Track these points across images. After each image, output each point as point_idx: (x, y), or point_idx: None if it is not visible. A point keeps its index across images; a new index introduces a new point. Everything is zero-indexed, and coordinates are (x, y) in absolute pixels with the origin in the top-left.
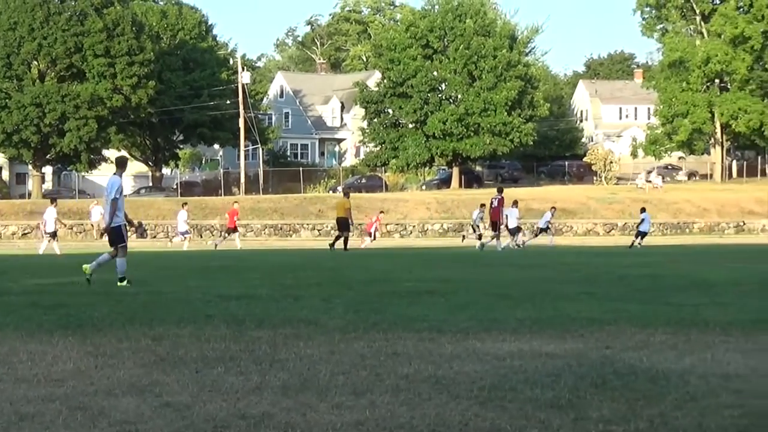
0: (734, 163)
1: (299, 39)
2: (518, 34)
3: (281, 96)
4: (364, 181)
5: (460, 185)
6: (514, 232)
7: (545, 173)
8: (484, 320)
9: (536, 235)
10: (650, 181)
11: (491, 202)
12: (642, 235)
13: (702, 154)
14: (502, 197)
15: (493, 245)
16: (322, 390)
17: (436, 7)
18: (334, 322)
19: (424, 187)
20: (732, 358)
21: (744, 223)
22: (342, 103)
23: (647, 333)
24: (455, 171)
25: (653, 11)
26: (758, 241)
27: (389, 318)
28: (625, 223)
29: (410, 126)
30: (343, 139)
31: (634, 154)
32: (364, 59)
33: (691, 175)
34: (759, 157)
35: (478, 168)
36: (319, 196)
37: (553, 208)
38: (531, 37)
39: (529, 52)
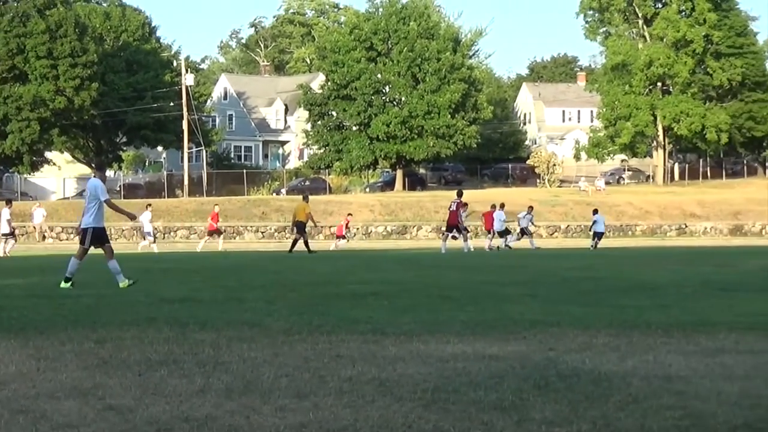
0: (676, 166)
1: (243, 41)
2: (462, 37)
3: (225, 98)
4: (307, 183)
5: (404, 188)
6: (503, 234)
7: (489, 176)
8: (428, 322)
9: (518, 239)
10: (594, 184)
11: (450, 205)
12: (598, 236)
13: (644, 157)
14: (461, 201)
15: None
16: (265, 392)
17: (380, 9)
18: (277, 324)
19: (367, 190)
20: (673, 360)
21: (686, 226)
22: (286, 106)
23: (590, 335)
24: (399, 173)
25: (596, 15)
26: (699, 244)
27: (333, 320)
28: (568, 226)
29: (354, 128)
30: (287, 142)
31: (577, 157)
32: (308, 61)
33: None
34: (700, 160)
35: (422, 170)
36: (262, 199)
37: (530, 207)
38: (475, 39)
39: (473, 54)
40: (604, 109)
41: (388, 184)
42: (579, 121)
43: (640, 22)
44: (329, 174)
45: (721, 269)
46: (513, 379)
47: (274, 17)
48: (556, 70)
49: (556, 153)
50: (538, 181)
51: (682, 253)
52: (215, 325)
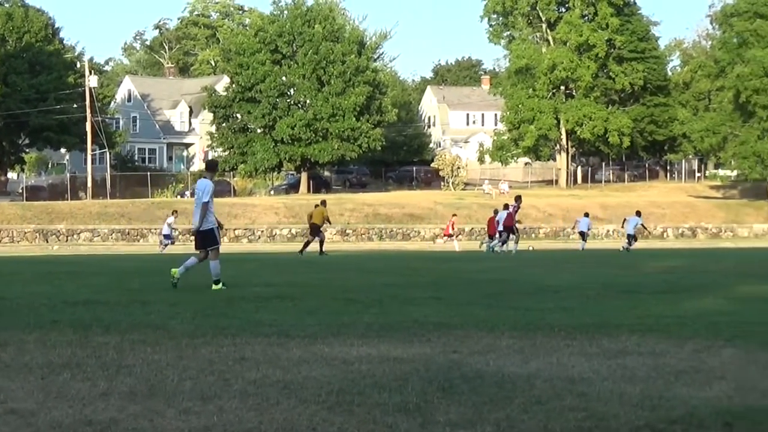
0: (579, 169)
1: (147, 43)
2: (367, 40)
3: (129, 100)
4: None
5: (309, 190)
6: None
7: (393, 178)
8: (333, 325)
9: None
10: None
11: (507, 208)
12: (582, 235)
13: (548, 160)
14: (518, 206)
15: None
16: (169, 395)
17: (285, 12)
18: (181, 327)
19: (272, 192)
20: (576, 362)
21: (588, 229)
22: (190, 108)
23: (494, 337)
24: (304, 176)
25: (500, 18)
26: (602, 246)
27: (237, 323)
28: (472, 228)
29: (259, 131)
30: (192, 144)
31: (481, 160)
32: (213, 64)
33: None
34: (603, 164)
35: (327, 173)
36: (167, 201)
37: (506, 205)
38: (379, 42)
39: (378, 57)
40: (508, 113)
41: (293, 187)
42: (483, 125)
43: (544, 26)
44: (234, 176)
45: (623, 272)
46: (417, 381)
47: (178, 19)
48: (461, 74)
49: (461, 156)
50: (442, 183)
51: (584, 256)
52: (119, 328)
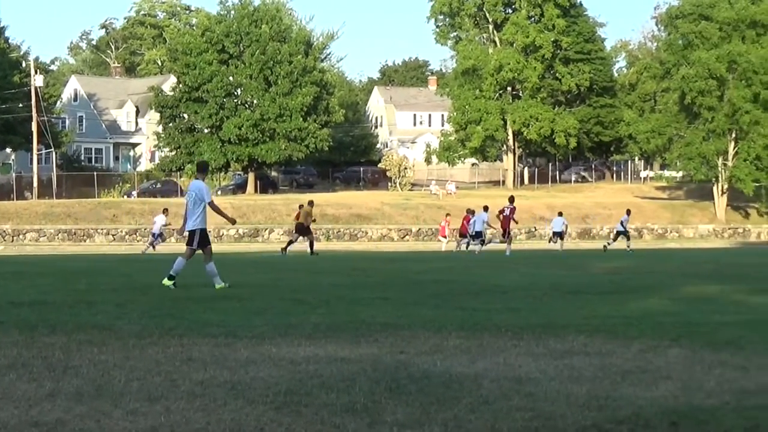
0: (526, 170)
1: (94, 43)
2: (314, 40)
3: (75, 100)
4: (159, 185)
5: (256, 190)
6: (478, 236)
7: (340, 179)
8: (280, 325)
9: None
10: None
11: (503, 211)
12: (558, 235)
13: (495, 160)
14: (515, 207)
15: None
16: (116, 396)
17: (232, 12)
18: (128, 327)
19: (219, 192)
20: (523, 362)
21: (535, 229)
22: (137, 108)
23: (441, 337)
24: (251, 176)
25: (447, 19)
26: (548, 247)
27: (184, 323)
28: (419, 229)
29: (206, 131)
30: (138, 144)
31: (428, 161)
32: (160, 63)
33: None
34: (550, 164)
35: (274, 173)
36: (113, 201)
37: (486, 207)
38: (326, 43)
39: (325, 58)
40: (455, 113)
41: (240, 187)
42: (430, 125)
43: (491, 27)
44: (181, 177)
45: (570, 272)
46: (365, 381)
47: (124, 19)
48: (408, 74)
49: (408, 156)
50: (389, 184)
51: (531, 256)
52: (65, 329)
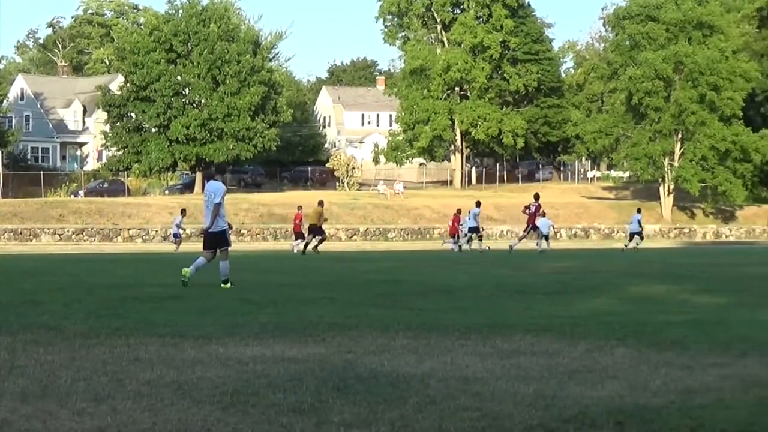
0: (474, 170)
1: (40, 41)
2: (262, 40)
3: (21, 99)
4: (106, 185)
5: (203, 190)
6: (474, 231)
7: (288, 179)
8: (227, 325)
9: (470, 240)
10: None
11: (528, 207)
12: (540, 235)
13: (442, 160)
14: (540, 204)
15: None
16: (62, 396)
17: (180, 11)
18: (75, 327)
19: (167, 192)
20: (470, 362)
21: (483, 229)
22: (84, 107)
23: (388, 337)
24: (198, 176)
25: (395, 19)
26: (497, 247)
27: (131, 323)
28: (367, 229)
29: (153, 130)
30: (86, 143)
31: (376, 161)
32: (107, 62)
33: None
34: (497, 164)
35: None
36: (60, 200)
37: (478, 203)
38: (275, 42)
39: (273, 57)
40: (403, 113)
41: (188, 187)
42: (378, 125)
43: (439, 27)
44: (128, 176)
45: (517, 272)
46: (312, 381)
47: (72, 17)
48: (356, 74)
49: (356, 156)
50: (337, 184)
51: (478, 256)
52: (10, 329)
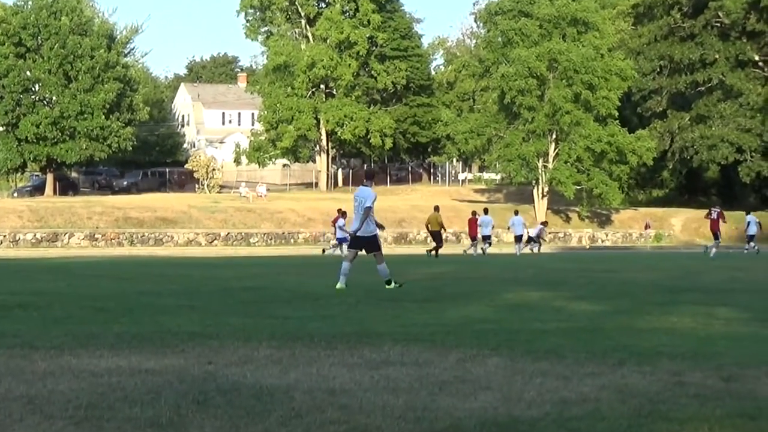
0: (340, 171)
1: None
2: (117, 34)
3: None
4: None
5: (55, 192)
6: (520, 239)
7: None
8: (80, 335)
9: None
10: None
11: (710, 213)
12: (518, 239)
13: (307, 161)
14: (721, 210)
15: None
16: None
17: (30, 3)
18: None
19: (15, 195)
20: (337, 373)
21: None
22: None
23: (251, 347)
24: (50, 177)
25: (258, 13)
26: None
27: None
28: (228, 233)
29: (1, 129)
30: None
31: (237, 161)
32: None
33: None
34: (365, 165)
35: (74, 174)
36: None
37: (486, 210)
38: (130, 37)
39: (129, 52)
40: (266, 112)
41: (38, 189)
42: (240, 124)
43: (303, 22)
44: None
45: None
46: (170, 394)
47: None
48: (216, 71)
49: (216, 157)
50: (197, 186)
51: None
52: None
